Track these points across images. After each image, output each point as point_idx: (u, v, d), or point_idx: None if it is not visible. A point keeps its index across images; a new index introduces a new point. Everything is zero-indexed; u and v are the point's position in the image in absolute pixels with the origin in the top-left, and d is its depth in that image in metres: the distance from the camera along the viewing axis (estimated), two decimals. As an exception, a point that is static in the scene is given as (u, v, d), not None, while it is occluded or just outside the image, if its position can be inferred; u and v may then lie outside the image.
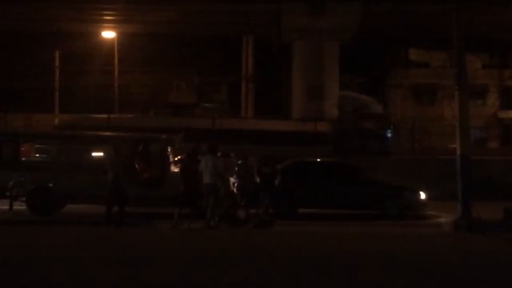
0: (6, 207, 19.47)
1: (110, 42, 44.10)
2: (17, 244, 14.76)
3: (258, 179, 19.53)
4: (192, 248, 14.74)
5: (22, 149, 20.74)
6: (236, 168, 19.34)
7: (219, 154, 19.04)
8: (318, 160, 23.75)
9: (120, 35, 42.86)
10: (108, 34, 42.37)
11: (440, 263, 12.96)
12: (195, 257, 13.31)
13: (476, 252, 14.61)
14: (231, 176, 19.37)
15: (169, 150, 20.42)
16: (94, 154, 21.88)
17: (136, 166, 19.92)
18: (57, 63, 45.61)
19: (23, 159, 20.56)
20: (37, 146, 22.10)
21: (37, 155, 21.97)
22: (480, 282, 11.11)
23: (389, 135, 34.79)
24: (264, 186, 19.17)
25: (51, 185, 19.47)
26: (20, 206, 19.61)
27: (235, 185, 19.34)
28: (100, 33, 42.49)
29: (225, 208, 18.94)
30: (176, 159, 20.73)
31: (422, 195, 20.91)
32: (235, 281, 10.86)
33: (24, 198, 19.48)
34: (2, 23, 38.51)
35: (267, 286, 10.61)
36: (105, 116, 31.55)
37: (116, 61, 44.71)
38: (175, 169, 19.92)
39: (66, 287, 10.41)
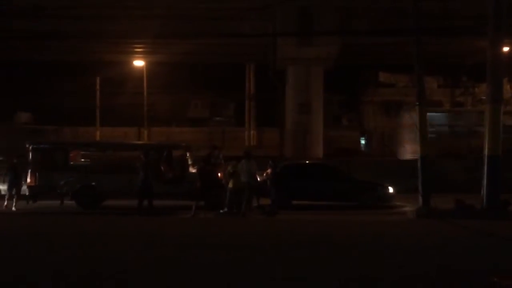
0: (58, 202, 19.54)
1: (140, 69, 44.16)
2: (71, 231, 14.75)
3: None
4: (206, 233, 14.73)
5: (71, 155, 20.72)
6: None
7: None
8: (308, 162, 23.75)
9: (148, 64, 42.96)
10: (138, 63, 42.47)
11: (405, 243, 12.97)
12: (207, 240, 13.33)
13: (434, 234, 14.60)
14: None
15: (187, 155, 20.42)
16: (128, 158, 21.87)
17: (162, 167, 19.93)
18: (98, 86, 45.76)
19: (72, 163, 20.53)
20: (82, 152, 22.05)
21: (83, 160, 21.91)
22: (436, 256, 11.13)
23: None
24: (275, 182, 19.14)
25: (94, 184, 19.47)
26: (68, 201, 19.64)
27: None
28: (132, 62, 42.58)
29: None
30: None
31: (391, 189, 20.93)
32: (234, 256, 10.89)
33: (72, 195, 19.51)
34: (55, 55, 38.73)
35: (258, 263, 10.61)
36: None
37: (145, 85, 44.77)
38: (192, 170, 19.92)
39: (117, 262, 10.42)
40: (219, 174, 19.32)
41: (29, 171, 19.58)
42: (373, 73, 54.83)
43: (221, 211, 18.35)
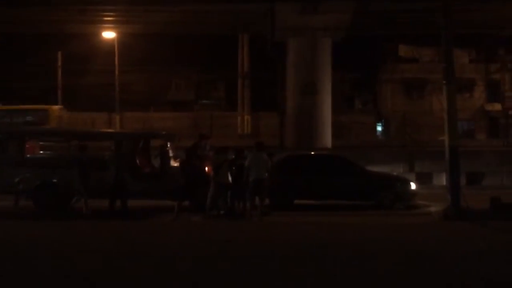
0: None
1: (110, 42, 44.06)
2: (27, 239, 14.69)
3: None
4: (192, 239, 14.71)
5: (27, 146, 20.63)
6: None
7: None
8: (312, 153, 23.75)
9: (120, 36, 42.86)
10: (109, 34, 42.39)
11: (429, 251, 12.94)
12: (195, 248, 13.30)
13: (465, 239, 14.59)
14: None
15: (168, 145, 20.38)
16: (96, 150, 21.83)
17: (137, 161, 19.89)
18: (59, 62, 45.67)
19: (28, 156, 20.44)
20: (41, 143, 21.98)
21: (42, 152, 21.85)
22: (466, 270, 11.09)
23: None
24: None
25: (55, 180, 19.39)
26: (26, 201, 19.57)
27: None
28: (100, 34, 42.49)
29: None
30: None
31: (413, 185, 20.92)
32: (225, 271, 10.87)
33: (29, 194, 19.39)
34: (6, 26, 38.54)
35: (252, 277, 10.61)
36: None
37: (116, 61, 44.67)
38: (175, 163, 19.89)
39: (81, 279, 10.39)
40: (206, 169, 19.26)
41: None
42: (392, 46, 54.89)
43: (221, 212, 18.36)
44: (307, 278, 10.28)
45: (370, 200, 20.44)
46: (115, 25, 40.13)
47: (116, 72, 45.16)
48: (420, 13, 32.90)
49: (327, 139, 33.90)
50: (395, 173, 24.52)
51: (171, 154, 20.30)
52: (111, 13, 37.29)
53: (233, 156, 19.03)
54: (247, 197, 18.20)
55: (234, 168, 18.63)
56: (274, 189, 19.07)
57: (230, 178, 18.55)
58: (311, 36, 33.23)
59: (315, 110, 33.56)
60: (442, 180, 23.25)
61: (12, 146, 20.21)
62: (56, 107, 40.81)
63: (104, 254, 12.54)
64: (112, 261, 11.79)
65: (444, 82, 18.76)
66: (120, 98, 45.48)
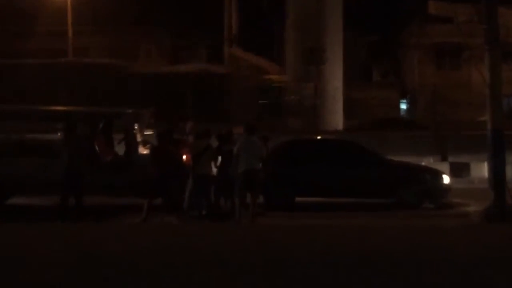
0: None
1: (62, -3, 44.00)
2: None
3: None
4: (164, 246, 14.72)
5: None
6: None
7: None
8: (319, 137, 23.75)
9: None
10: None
11: (465, 261, 12.96)
12: (166, 258, 13.32)
13: (510, 247, 14.61)
14: None
15: (136, 128, 20.37)
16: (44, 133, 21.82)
17: (97, 147, 19.89)
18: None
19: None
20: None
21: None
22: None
23: None
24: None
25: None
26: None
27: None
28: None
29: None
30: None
31: (446, 178, 20.95)
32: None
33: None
34: None
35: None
36: None
37: (69, 20, 44.57)
38: (144, 150, 19.90)
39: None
40: (184, 157, 19.27)
41: None
42: (420, 2, 54.87)
43: (203, 212, 18.47)
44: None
45: (391, 198, 20.50)
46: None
47: (70, 35, 45.09)
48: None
49: (338, 120, 34.03)
50: (423, 163, 24.62)
51: (139, 138, 20.33)
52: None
53: (218, 142, 19.07)
54: (235, 193, 18.26)
55: (219, 156, 18.70)
56: (270, 183, 19.16)
57: (214, 169, 18.62)
58: (316, -12, 33.31)
59: (323, 83, 33.62)
60: (482, 172, 23.30)
61: None
62: None
63: (55, 264, 12.55)
64: (66, 272, 11.80)
65: (486, 47, 18.79)
66: (75, 67, 45.47)
